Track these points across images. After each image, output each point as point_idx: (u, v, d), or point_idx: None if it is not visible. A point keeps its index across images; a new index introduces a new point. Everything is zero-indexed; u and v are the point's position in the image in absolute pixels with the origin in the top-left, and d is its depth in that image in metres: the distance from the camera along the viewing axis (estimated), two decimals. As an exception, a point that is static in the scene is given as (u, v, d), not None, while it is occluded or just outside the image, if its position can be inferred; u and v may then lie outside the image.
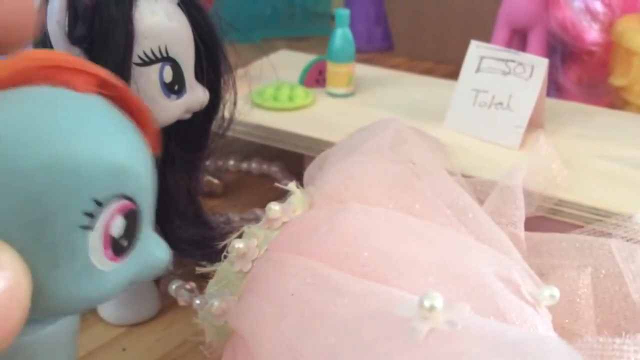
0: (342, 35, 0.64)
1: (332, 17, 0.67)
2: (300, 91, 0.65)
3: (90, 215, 0.16)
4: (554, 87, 0.75)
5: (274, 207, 0.33)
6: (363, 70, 0.71)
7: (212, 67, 0.43)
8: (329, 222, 0.31)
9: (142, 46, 0.36)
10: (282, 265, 0.29)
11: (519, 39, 0.76)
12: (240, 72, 0.52)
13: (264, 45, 0.99)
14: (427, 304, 0.22)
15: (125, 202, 0.16)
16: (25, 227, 0.15)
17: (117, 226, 0.16)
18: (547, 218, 0.48)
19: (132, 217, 0.17)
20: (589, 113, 0.63)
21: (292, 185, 0.35)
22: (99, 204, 0.16)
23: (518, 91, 0.55)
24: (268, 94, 0.64)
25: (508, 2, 0.74)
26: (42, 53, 0.17)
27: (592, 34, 0.72)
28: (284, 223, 0.33)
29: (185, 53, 0.39)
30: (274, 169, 0.64)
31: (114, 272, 0.17)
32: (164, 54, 0.37)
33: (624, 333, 0.28)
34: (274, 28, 1.10)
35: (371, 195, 0.33)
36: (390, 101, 0.65)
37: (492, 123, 0.56)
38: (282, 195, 0.63)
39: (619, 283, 0.39)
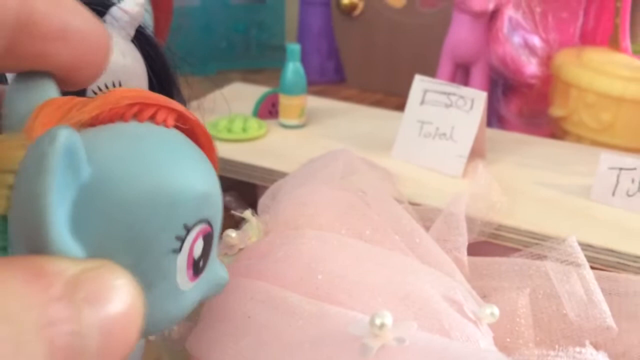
0: (293, 69, 0.67)
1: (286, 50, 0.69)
2: (254, 123, 0.66)
3: (181, 239, 0.17)
4: (497, 118, 0.79)
5: (231, 234, 0.35)
6: (315, 102, 0.74)
7: None
8: (284, 248, 0.32)
9: (97, 82, 0.38)
10: (239, 289, 0.30)
11: (462, 73, 0.81)
12: (194, 104, 0.53)
13: (219, 77, 1.01)
14: (377, 321, 0.24)
15: (206, 225, 0.18)
16: (128, 252, 0.16)
17: (198, 248, 0.18)
18: (488, 242, 0.51)
19: (208, 239, 0.18)
20: (528, 143, 0.67)
21: (247, 213, 0.37)
22: (187, 229, 0.17)
23: (460, 122, 0.58)
24: (222, 126, 0.65)
25: (451, 38, 0.78)
26: (132, 91, 0.18)
27: (531, 68, 0.77)
28: (240, 249, 0.35)
29: (139, 87, 0.40)
30: (227, 198, 0.65)
31: (191, 292, 0.18)
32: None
33: (558, 348, 0.31)
34: (229, 60, 1.12)
35: (324, 222, 0.34)
36: (341, 132, 0.67)
37: (436, 153, 0.59)
38: (237, 224, 0.64)
39: (556, 303, 0.42)
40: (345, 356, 0.24)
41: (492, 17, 0.76)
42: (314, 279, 0.30)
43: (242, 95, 0.75)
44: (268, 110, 0.70)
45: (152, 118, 0.18)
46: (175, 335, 0.32)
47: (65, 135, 0.14)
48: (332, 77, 1.07)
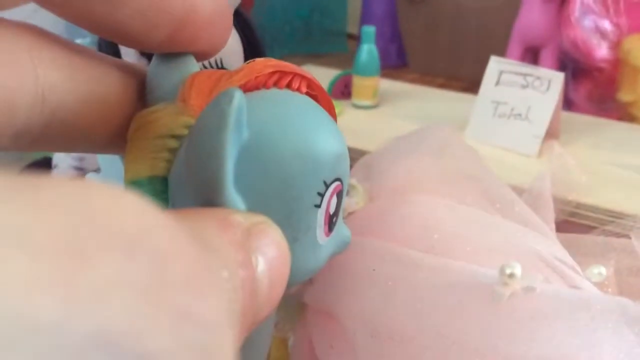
0: (368, 51, 0.68)
1: (348, 36, 0.71)
2: (328, 102, 0.68)
3: (321, 195, 0.19)
4: (565, 102, 0.80)
5: (341, 198, 0.37)
6: (385, 84, 0.75)
7: None
8: (397, 211, 0.34)
9: None
10: (358, 246, 0.32)
11: (531, 56, 0.81)
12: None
13: (286, 61, 1.03)
14: (507, 271, 0.26)
15: (339, 183, 0.20)
16: (281, 206, 0.18)
17: (333, 204, 0.20)
18: (567, 221, 0.52)
19: (340, 196, 0.20)
20: (601, 125, 0.67)
21: (353, 181, 0.39)
22: (326, 185, 0.19)
23: (536, 103, 0.60)
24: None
25: (522, 21, 0.79)
26: (272, 61, 0.20)
27: (602, 51, 0.77)
28: (349, 214, 0.37)
29: (237, 63, 0.43)
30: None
31: (326, 246, 0.20)
32: (220, 65, 0.41)
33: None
34: (291, 46, 1.14)
35: (429, 189, 0.36)
36: (412, 113, 0.69)
37: (511, 133, 0.60)
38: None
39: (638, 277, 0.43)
40: (475, 302, 0.26)
41: (563, 0, 0.77)
42: (430, 239, 0.32)
43: (315, 77, 0.77)
44: (341, 91, 0.72)
45: (288, 85, 0.20)
46: (290, 290, 0.35)
47: (239, 96, 0.16)
48: (394, 61, 1.09)
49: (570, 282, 0.29)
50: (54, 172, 0.51)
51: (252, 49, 0.45)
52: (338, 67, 0.72)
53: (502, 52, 0.83)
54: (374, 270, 0.30)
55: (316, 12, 1.18)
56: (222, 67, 0.41)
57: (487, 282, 0.26)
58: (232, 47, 0.42)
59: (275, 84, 0.20)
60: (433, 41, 1.05)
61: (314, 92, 0.21)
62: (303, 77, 0.20)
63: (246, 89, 0.19)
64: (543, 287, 0.26)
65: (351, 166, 0.49)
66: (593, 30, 0.78)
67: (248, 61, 0.20)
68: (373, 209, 0.36)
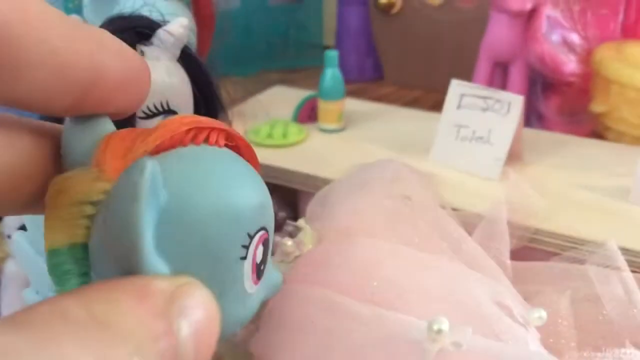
0: (331, 75, 0.68)
1: (325, 48, 0.71)
2: (294, 128, 0.68)
3: (246, 247, 0.19)
4: (537, 117, 0.80)
5: (287, 242, 0.37)
6: (353, 105, 0.75)
7: (209, 114, 0.46)
8: (339, 255, 0.34)
9: (146, 102, 0.40)
10: (301, 295, 0.32)
11: (500, 71, 0.81)
12: (237, 109, 0.56)
13: (260, 77, 1.03)
14: (435, 327, 0.26)
15: (264, 232, 0.20)
16: (204, 264, 0.18)
17: (260, 253, 0.20)
18: (527, 246, 0.53)
19: (266, 244, 0.20)
20: (566, 143, 0.67)
21: (301, 222, 0.39)
22: (251, 237, 0.19)
23: (497, 126, 0.60)
24: (264, 133, 0.68)
25: (489, 37, 0.79)
26: (187, 117, 0.20)
27: (570, 65, 0.78)
28: (296, 257, 0.37)
29: (185, 105, 0.43)
30: (270, 202, 0.68)
31: (255, 295, 0.20)
32: (166, 107, 0.41)
33: (603, 349, 0.32)
34: (269, 61, 1.15)
35: (375, 230, 0.36)
36: (379, 135, 0.69)
37: (473, 156, 0.60)
38: (279, 226, 0.66)
39: (596, 305, 0.43)
40: (406, 358, 0.26)
41: (530, 16, 0.77)
42: (369, 286, 0.32)
43: (282, 99, 0.77)
44: (307, 114, 0.72)
45: (206, 140, 0.20)
46: (238, 338, 0.35)
47: (151, 166, 0.16)
48: (371, 74, 1.09)
49: (505, 331, 0.29)
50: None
51: (200, 87, 0.45)
52: (316, 80, 0.71)
53: (474, 65, 0.84)
54: (312, 322, 0.30)
55: (292, 27, 1.18)
56: (169, 109, 0.41)
57: (417, 338, 0.26)
58: (178, 87, 0.41)
59: (192, 141, 0.20)
60: (408, 54, 1.05)
61: (233, 143, 0.21)
62: (221, 130, 0.20)
63: (162, 148, 0.19)
64: (470, 342, 0.26)
65: (314, 195, 0.49)
66: (561, 44, 0.78)
67: (164, 120, 0.20)
68: (318, 253, 0.36)
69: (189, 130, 0.19)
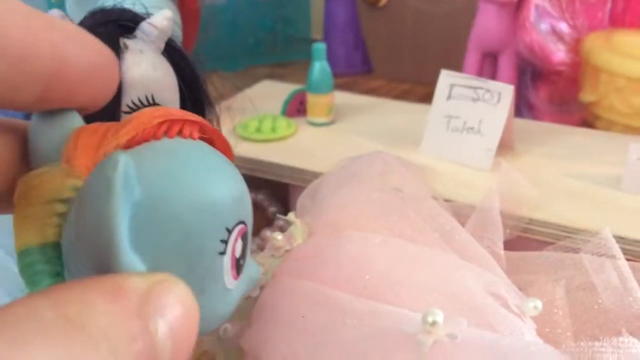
0: (319, 68, 0.68)
1: (313, 41, 0.71)
2: (283, 122, 0.68)
3: (225, 242, 0.18)
4: (527, 107, 0.80)
5: (277, 237, 0.36)
6: (342, 98, 0.75)
7: (196, 108, 0.46)
8: (330, 249, 0.33)
9: (130, 95, 0.39)
10: (291, 289, 0.32)
11: (490, 62, 0.81)
12: (224, 104, 0.55)
13: (248, 72, 1.02)
14: (429, 319, 0.25)
15: (242, 226, 0.19)
16: (181, 261, 0.17)
17: (239, 248, 0.19)
18: (520, 236, 0.52)
19: (245, 238, 0.20)
20: (557, 132, 0.67)
21: (291, 216, 0.38)
22: (229, 231, 0.18)
23: (487, 116, 0.59)
24: (252, 127, 0.67)
25: (478, 27, 0.78)
26: (159, 110, 0.19)
27: (559, 54, 0.77)
28: (286, 251, 0.36)
29: (171, 98, 0.42)
30: (260, 197, 0.67)
31: (235, 290, 0.20)
32: (151, 101, 0.40)
33: (600, 338, 0.32)
34: (256, 56, 1.14)
35: (366, 223, 0.36)
36: (369, 128, 0.68)
37: (464, 147, 0.60)
38: (270, 221, 0.65)
39: (591, 293, 0.43)
40: (400, 353, 0.26)
41: (518, 5, 0.76)
42: (362, 279, 0.31)
43: (271, 93, 0.76)
44: (296, 108, 0.71)
45: (179, 133, 0.19)
46: (229, 334, 0.34)
47: (124, 160, 0.16)
48: (359, 68, 1.08)
49: (500, 322, 0.28)
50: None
51: (186, 80, 0.44)
52: (304, 74, 0.71)
53: (464, 57, 0.83)
54: (303, 317, 0.30)
55: (279, 22, 1.18)
56: (155, 103, 0.40)
57: (412, 331, 0.26)
58: (162, 80, 0.41)
59: (166, 134, 0.19)
60: (397, 47, 1.05)
61: (207, 135, 0.21)
62: (194, 123, 0.20)
63: (135, 142, 0.18)
64: (466, 334, 0.25)
65: (304, 189, 0.49)
66: (550, 33, 0.78)
67: (135, 112, 0.19)
68: (308, 247, 0.35)
69: (162, 123, 0.19)
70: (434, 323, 0.25)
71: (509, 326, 0.29)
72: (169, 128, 0.19)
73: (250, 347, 0.32)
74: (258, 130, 0.67)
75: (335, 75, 0.70)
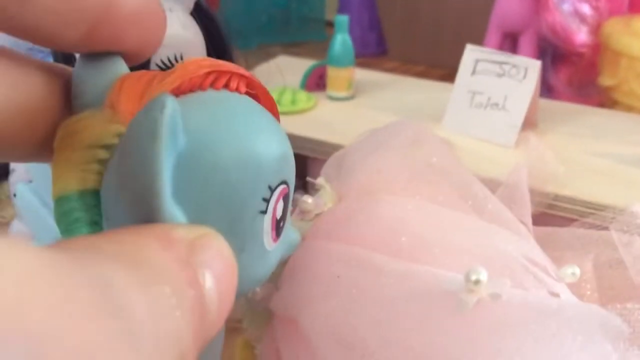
0: (341, 41, 0.67)
1: (326, 23, 0.70)
2: (303, 95, 0.67)
3: (266, 200, 0.18)
4: (545, 88, 0.79)
5: (307, 200, 0.35)
6: (362, 74, 0.74)
7: None
8: (364, 212, 0.33)
9: (160, 55, 0.39)
10: (323, 251, 0.31)
11: (510, 43, 0.80)
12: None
13: (260, 51, 1.02)
14: (473, 277, 0.25)
15: (285, 187, 0.18)
16: (223, 216, 0.17)
17: (280, 209, 0.18)
18: (545, 213, 0.51)
19: (286, 200, 0.19)
20: (580, 112, 0.66)
21: (321, 180, 0.38)
22: (271, 190, 0.18)
23: (512, 92, 0.58)
24: (272, 98, 0.66)
25: (500, 7, 0.77)
26: (206, 60, 0.18)
27: (581, 36, 0.76)
28: (316, 215, 0.35)
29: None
30: (279, 170, 0.66)
31: (274, 252, 0.19)
32: (180, 61, 0.39)
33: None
34: (269, 35, 1.13)
35: (398, 188, 0.35)
36: (389, 104, 0.68)
37: (488, 123, 0.59)
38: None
39: (619, 269, 0.42)
40: (439, 311, 0.25)
41: (541, -15, 0.75)
42: (397, 242, 0.30)
43: (288, 68, 0.76)
44: (315, 82, 0.70)
45: (226, 85, 0.18)
46: (257, 296, 0.33)
47: (171, 103, 0.15)
48: (374, 49, 1.07)
49: (540, 285, 0.28)
50: (12, 176, 0.49)
51: (214, 43, 0.43)
52: (317, 56, 0.70)
53: (482, 38, 0.82)
54: (338, 277, 0.29)
55: (294, 1, 1.16)
56: None
57: (453, 289, 0.25)
58: (192, 41, 0.40)
59: (212, 85, 0.18)
60: (413, 29, 1.04)
61: (254, 91, 0.20)
62: (242, 76, 0.19)
63: (180, 91, 0.18)
64: (510, 293, 0.25)
65: (324, 161, 0.48)
66: (572, 14, 0.77)
67: (182, 61, 0.19)
68: (340, 211, 0.35)
69: (209, 73, 0.18)
70: (477, 282, 0.25)
71: (548, 290, 0.28)
72: (215, 79, 0.18)
73: (281, 309, 0.32)
74: (278, 102, 0.66)
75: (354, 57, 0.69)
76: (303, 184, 0.61)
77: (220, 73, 0.18)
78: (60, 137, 0.17)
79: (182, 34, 0.39)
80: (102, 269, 0.11)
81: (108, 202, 0.17)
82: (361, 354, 0.26)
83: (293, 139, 0.65)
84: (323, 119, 0.65)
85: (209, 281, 0.13)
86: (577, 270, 0.30)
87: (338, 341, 0.27)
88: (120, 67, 0.18)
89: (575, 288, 0.39)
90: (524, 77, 0.58)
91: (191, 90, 0.18)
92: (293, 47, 1.10)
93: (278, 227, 0.19)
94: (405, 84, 0.74)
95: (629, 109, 0.74)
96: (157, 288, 0.11)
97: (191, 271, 0.12)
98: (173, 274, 0.12)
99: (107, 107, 0.17)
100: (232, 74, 0.19)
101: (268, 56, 0.84)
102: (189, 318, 0.12)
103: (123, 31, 0.17)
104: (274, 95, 0.66)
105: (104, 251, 0.11)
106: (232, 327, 0.37)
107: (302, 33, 1.16)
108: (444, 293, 0.25)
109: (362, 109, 0.67)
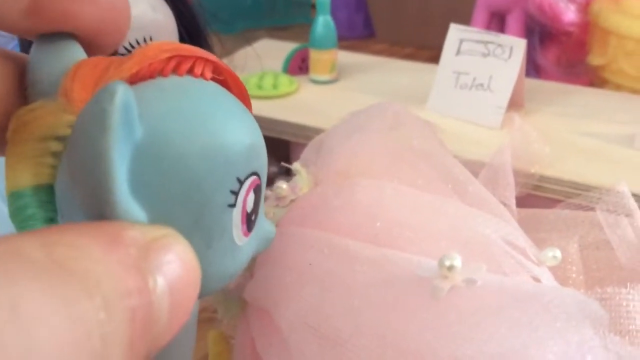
0: (323, 23, 0.65)
1: (312, 6, 0.69)
2: (284, 79, 0.66)
3: (235, 193, 0.16)
4: (533, 68, 0.78)
5: (282, 185, 0.34)
6: (345, 57, 0.73)
7: None
8: (339, 197, 0.32)
9: (128, 37, 0.37)
10: (297, 238, 0.30)
11: (497, 22, 0.79)
12: (224, 60, 0.53)
13: (245, 35, 1.00)
14: (447, 263, 0.24)
15: (255, 177, 0.17)
16: (187, 211, 0.15)
17: (250, 202, 0.17)
18: (531, 194, 0.51)
19: (258, 192, 0.18)
20: (567, 92, 0.65)
21: (296, 165, 0.37)
22: (240, 182, 0.17)
23: (498, 72, 0.57)
24: (252, 83, 0.65)
25: (486, -14, 0.76)
26: (168, 44, 0.17)
27: (569, 14, 0.75)
28: (291, 201, 0.34)
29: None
30: (261, 155, 0.65)
31: (245, 247, 0.18)
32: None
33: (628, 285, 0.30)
34: (255, 19, 1.11)
35: (376, 171, 0.34)
36: (373, 86, 0.66)
37: (473, 104, 0.58)
38: (270, 182, 0.64)
39: (605, 250, 0.41)
40: (415, 297, 0.24)
41: (527, -37, 0.74)
42: (372, 226, 0.29)
43: (271, 52, 0.74)
44: (298, 66, 0.69)
45: (189, 71, 0.17)
46: (230, 285, 0.33)
47: (122, 91, 0.14)
48: (361, 31, 1.06)
49: (518, 270, 0.27)
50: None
51: (187, 26, 0.42)
52: (303, 39, 0.69)
53: (469, 19, 0.81)
54: (310, 264, 0.28)
55: (279, -17, 1.15)
56: None
57: (426, 276, 0.24)
58: (163, 24, 0.39)
59: (174, 71, 0.17)
60: (400, 10, 1.02)
61: (221, 77, 0.19)
62: (207, 61, 0.18)
63: (139, 78, 0.16)
64: (485, 279, 0.24)
65: (304, 146, 0.47)
66: (560, -8, 0.75)
67: (137, 46, 0.17)
68: (315, 196, 0.33)
69: (170, 58, 0.17)
70: (451, 267, 0.24)
71: (527, 274, 0.27)
72: (178, 65, 0.17)
73: (254, 298, 0.31)
74: (259, 86, 0.65)
75: (337, 38, 0.67)
76: (286, 170, 0.60)
77: (183, 58, 0.17)
78: (12, 129, 0.16)
79: (150, 15, 0.37)
80: (12, 290, 0.10)
81: (62, 198, 0.16)
82: (334, 343, 0.25)
83: (275, 123, 0.64)
84: (306, 103, 0.64)
85: (160, 287, 0.12)
86: (559, 253, 0.30)
87: (311, 330, 0.26)
88: (77, 52, 0.17)
89: (560, 271, 0.38)
90: (510, 56, 0.57)
91: (151, 77, 0.17)
92: (279, 30, 1.08)
93: (249, 220, 0.18)
94: (391, 66, 0.73)
95: (618, 87, 0.73)
96: (81, 305, 0.10)
97: (139, 276, 0.11)
98: (111, 281, 0.11)
99: (60, 95, 0.16)
100: (197, 58, 0.18)
101: (252, 40, 0.82)
102: (124, 330, 0.11)
103: (71, 6, 0.16)
104: (255, 80, 0.65)
105: (28, 260, 0.10)
106: (208, 317, 0.36)
107: (288, 16, 1.14)
108: (417, 279, 0.25)
109: (346, 92, 0.66)
